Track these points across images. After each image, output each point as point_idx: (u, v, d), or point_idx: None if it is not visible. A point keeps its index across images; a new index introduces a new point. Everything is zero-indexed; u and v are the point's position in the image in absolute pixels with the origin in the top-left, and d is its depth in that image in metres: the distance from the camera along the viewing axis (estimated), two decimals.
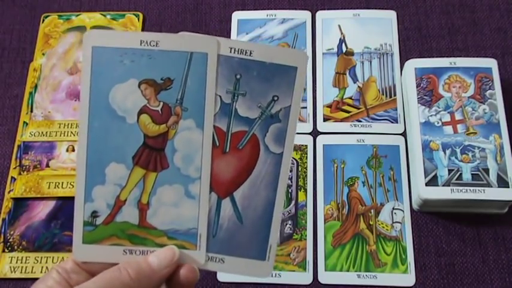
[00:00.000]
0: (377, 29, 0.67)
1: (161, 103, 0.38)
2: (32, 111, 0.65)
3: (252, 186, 0.39)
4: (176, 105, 0.38)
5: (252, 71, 0.38)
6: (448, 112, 0.57)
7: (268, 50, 0.38)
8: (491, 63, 0.59)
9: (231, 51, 0.38)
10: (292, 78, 0.38)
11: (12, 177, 0.62)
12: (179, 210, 0.38)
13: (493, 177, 0.54)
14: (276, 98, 0.38)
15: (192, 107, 0.38)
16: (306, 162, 0.60)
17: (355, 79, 0.65)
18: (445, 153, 0.55)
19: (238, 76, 0.38)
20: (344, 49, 0.66)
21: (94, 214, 0.38)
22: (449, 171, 0.54)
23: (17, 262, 0.57)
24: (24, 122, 0.64)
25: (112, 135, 0.38)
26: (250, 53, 0.38)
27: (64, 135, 0.63)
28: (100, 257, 0.38)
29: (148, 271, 0.36)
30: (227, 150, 0.39)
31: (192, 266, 0.37)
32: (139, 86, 0.38)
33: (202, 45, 0.38)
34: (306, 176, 0.60)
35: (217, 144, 0.38)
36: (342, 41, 0.67)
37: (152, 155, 0.38)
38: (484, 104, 0.57)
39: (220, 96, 0.38)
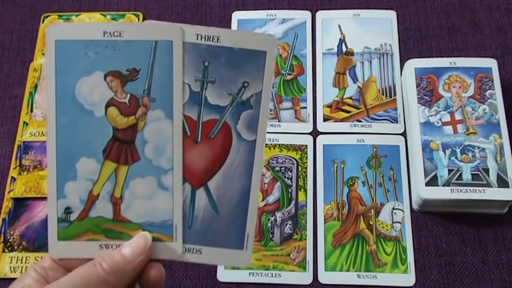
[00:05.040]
0: (377, 29, 0.67)
1: (128, 95, 0.38)
2: (32, 111, 0.65)
3: (226, 175, 0.38)
4: (144, 96, 0.37)
5: (221, 57, 0.37)
6: (448, 112, 0.57)
7: (235, 35, 0.38)
8: (491, 63, 0.59)
9: (197, 38, 0.37)
10: (261, 63, 0.38)
11: (12, 177, 0.62)
12: (153, 202, 0.38)
13: (493, 177, 0.54)
14: (246, 84, 0.38)
15: (160, 97, 0.37)
16: (306, 162, 0.60)
17: (355, 79, 0.65)
18: (445, 153, 0.55)
19: (206, 63, 0.37)
20: (344, 49, 0.66)
21: (67, 210, 0.38)
22: (449, 171, 0.54)
23: (17, 262, 0.57)
24: (24, 122, 0.65)
25: (81, 129, 0.37)
26: (218, 39, 0.37)
27: None
28: (76, 253, 0.37)
29: (123, 262, 0.36)
30: (199, 139, 0.38)
31: (160, 266, 0.37)
32: (105, 79, 0.37)
33: (166, 33, 0.37)
34: (306, 176, 0.60)
35: (189, 133, 0.38)
36: (342, 41, 0.67)
37: (122, 147, 0.38)
38: (484, 104, 0.57)
39: (189, 85, 0.38)
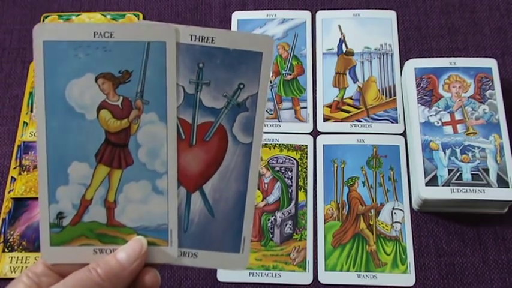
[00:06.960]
0: (377, 29, 0.67)
1: (121, 97, 0.37)
2: (32, 111, 0.65)
3: (221, 178, 0.37)
4: (137, 98, 0.37)
5: (216, 58, 0.37)
6: (448, 112, 0.57)
7: (231, 36, 0.37)
8: (491, 63, 0.59)
9: (192, 39, 0.36)
10: (257, 64, 0.37)
11: (12, 177, 0.62)
12: (148, 206, 0.37)
13: (493, 177, 0.54)
14: (242, 86, 0.37)
15: (154, 100, 0.36)
16: (306, 162, 0.60)
17: (355, 79, 0.65)
18: (445, 153, 0.55)
19: (201, 65, 0.37)
20: (344, 49, 0.66)
21: (60, 215, 0.37)
22: (449, 171, 0.54)
23: (17, 262, 0.57)
24: (24, 122, 0.65)
25: (72, 133, 0.36)
26: (212, 39, 0.36)
27: None
28: (70, 259, 0.37)
29: (118, 268, 0.35)
30: (194, 142, 0.37)
31: (155, 271, 0.37)
32: (96, 81, 0.36)
33: (160, 34, 0.36)
34: (306, 176, 0.60)
35: (183, 137, 0.37)
36: (342, 41, 0.67)
37: (115, 151, 0.37)
38: (484, 104, 0.57)
39: (183, 87, 0.37)
